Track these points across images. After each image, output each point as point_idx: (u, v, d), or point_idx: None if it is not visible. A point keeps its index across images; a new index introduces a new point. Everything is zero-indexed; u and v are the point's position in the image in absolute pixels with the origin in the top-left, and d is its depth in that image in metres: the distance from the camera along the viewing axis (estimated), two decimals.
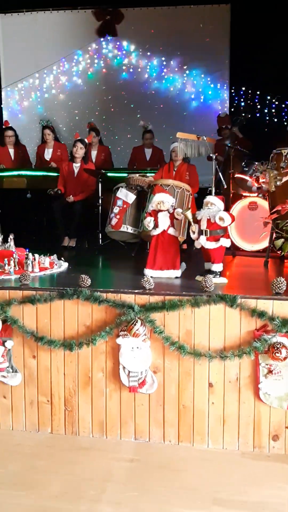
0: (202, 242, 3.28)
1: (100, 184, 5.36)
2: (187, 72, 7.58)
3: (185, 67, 7.58)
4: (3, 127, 6.76)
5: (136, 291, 2.95)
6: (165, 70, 7.62)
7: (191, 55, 7.51)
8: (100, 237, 5.34)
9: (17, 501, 2.39)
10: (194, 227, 3.32)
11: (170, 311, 2.85)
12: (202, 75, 7.54)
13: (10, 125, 6.73)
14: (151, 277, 3.14)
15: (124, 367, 2.88)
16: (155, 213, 3.49)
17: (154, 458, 2.81)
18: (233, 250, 4.71)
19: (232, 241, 4.34)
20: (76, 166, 5.58)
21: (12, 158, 6.57)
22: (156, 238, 3.46)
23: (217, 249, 3.29)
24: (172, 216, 3.47)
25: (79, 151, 5.53)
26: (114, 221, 4.92)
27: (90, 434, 3.01)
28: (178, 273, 3.43)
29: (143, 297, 2.92)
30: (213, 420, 2.88)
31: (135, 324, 2.82)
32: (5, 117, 7.94)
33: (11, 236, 3.86)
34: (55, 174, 5.89)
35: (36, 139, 7.65)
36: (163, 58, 7.60)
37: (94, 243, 5.41)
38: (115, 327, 2.89)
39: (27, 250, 3.91)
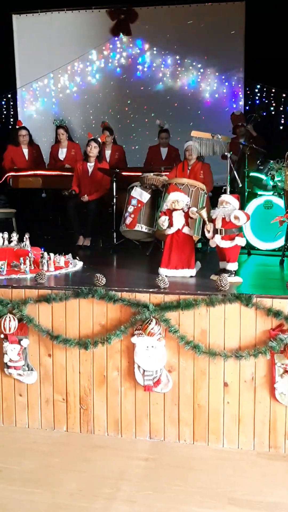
0: (217, 241, 3.27)
1: (114, 183, 5.37)
2: (202, 70, 7.53)
3: (199, 65, 7.53)
4: (17, 126, 6.81)
5: (151, 290, 2.95)
6: (179, 69, 7.59)
7: (205, 53, 7.47)
8: (115, 236, 5.36)
9: (32, 498, 2.40)
10: (209, 226, 3.31)
11: (185, 310, 2.84)
12: (217, 73, 7.49)
13: (23, 125, 6.77)
14: (166, 276, 3.14)
15: (139, 366, 2.88)
16: (169, 212, 3.48)
17: (169, 457, 2.81)
18: (248, 249, 4.68)
19: (247, 240, 4.31)
20: (90, 165, 5.60)
21: (26, 157, 6.61)
22: (171, 237, 3.45)
23: (232, 248, 3.27)
24: (186, 215, 3.46)
25: (93, 150, 5.55)
26: (128, 220, 4.93)
27: (105, 432, 3.02)
28: (193, 272, 3.42)
29: (158, 296, 2.92)
30: (228, 420, 2.86)
31: (150, 323, 2.82)
32: (20, 117, 7.99)
33: (27, 236, 3.89)
34: (70, 173, 5.92)
35: (50, 139, 7.69)
36: (178, 57, 7.57)
37: (109, 242, 5.43)
38: (130, 326, 2.89)
39: (42, 249, 3.93)
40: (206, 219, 3.33)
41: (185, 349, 2.83)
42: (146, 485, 2.51)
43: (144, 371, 2.87)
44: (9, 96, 7.84)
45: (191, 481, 2.55)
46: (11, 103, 7.91)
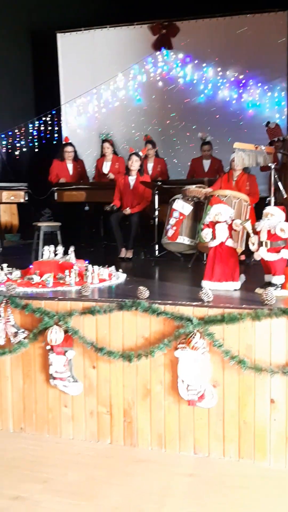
0: (262, 254, 3.21)
1: (156, 196, 5.40)
2: (244, 81, 7.50)
3: (241, 76, 7.50)
4: (63, 143, 7.00)
5: (194, 303, 2.93)
6: (221, 80, 7.59)
7: (247, 64, 7.44)
8: (157, 249, 5.38)
9: (76, 510, 2.42)
10: (254, 239, 3.26)
11: (230, 324, 2.80)
12: (259, 84, 7.43)
13: (70, 141, 6.96)
14: (210, 289, 3.11)
15: (183, 380, 2.86)
16: (213, 225, 3.46)
17: (214, 473, 2.76)
18: None
19: None
20: (132, 178, 5.66)
21: (71, 172, 6.78)
22: (214, 250, 3.43)
23: (278, 261, 3.21)
24: (230, 227, 3.43)
25: (134, 163, 5.61)
26: (170, 233, 4.93)
27: (149, 446, 3.00)
28: (237, 285, 3.38)
29: (202, 310, 2.90)
30: (275, 438, 2.79)
31: (194, 337, 2.80)
32: (64, 132, 8.20)
33: (72, 249, 3.96)
34: (113, 187, 6.01)
35: (93, 153, 7.85)
36: (219, 69, 7.57)
37: (151, 255, 5.45)
38: (174, 340, 2.88)
39: (86, 262, 3.99)
40: (250, 231, 3.29)
41: (230, 364, 2.79)
42: (191, 502, 2.48)
43: (188, 385, 2.85)
44: (54, 112, 8.06)
45: (236, 499, 2.49)
46: (56, 119, 8.13)
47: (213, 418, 2.88)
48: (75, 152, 6.84)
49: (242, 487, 2.61)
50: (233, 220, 3.44)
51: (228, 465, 2.84)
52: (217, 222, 3.43)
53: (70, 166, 6.80)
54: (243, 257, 4.68)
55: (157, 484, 2.64)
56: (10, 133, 7.83)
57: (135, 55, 7.79)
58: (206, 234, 3.44)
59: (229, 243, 3.41)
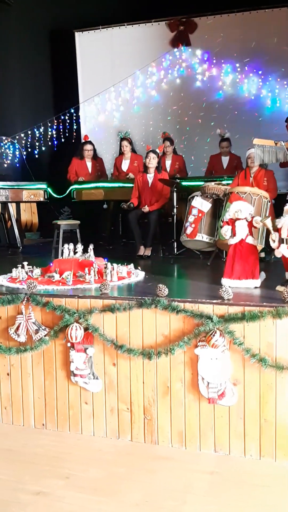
0: (283, 251, 3.18)
1: (174, 193, 5.39)
2: (263, 77, 7.42)
3: (260, 72, 7.43)
4: (83, 141, 7.04)
5: (214, 301, 2.92)
6: (239, 76, 7.52)
7: (266, 59, 7.36)
8: (175, 246, 5.37)
9: (98, 507, 2.44)
10: (274, 236, 3.23)
11: (250, 322, 2.78)
12: (278, 79, 7.35)
13: (89, 140, 6.99)
14: (229, 287, 3.10)
15: (203, 378, 2.86)
16: (232, 222, 3.44)
17: (235, 472, 2.75)
18: None
19: None
20: (150, 176, 5.66)
21: (90, 171, 6.82)
22: (234, 247, 3.41)
23: None
24: (250, 225, 3.41)
25: (152, 161, 5.61)
26: (189, 230, 4.92)
27: (169, 444, 3.01)
28: (257, 282, 3.35)
29: (222, 308, 2.88)
30: None
31: (214, 335, 2.79)
32: (83, 131, 8.25)
33: (91, 247, 3.98)
34: (131, 185, 6.02)
35: (112, 151, 7.87)
36: (237, 64, 7.51)
37: (169, 252, 5.45)
38: (194, 338, 2.88)
39: (106, 260, 4.01)
40: (271, 228, 3.26)
41: (251, 362, 2.77)
42: (212, 500, 2.48)
43: (208, 383, 2.84)
44: (72, 111, 8.10)
45: (256, 497, 2.48)
46: (74, 118, 8.18)
47: (233, 416, 2.87)
48: (94, 150, 6.88)
49: (263, 486, 2.60)
50: (253, 217, 3.42)
51: (249, 464, 2.82)
52: (237, 219, 3.41)
53: (89, 164, 6.84)
54: (262, 254, 4.65)
55: (178, 481, 2.64)
56: (29, 132, 7.91)
57: (153, 52, 7.78)
58: (225, 231, 3.43)
59: (249, 240, 3.39)
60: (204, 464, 2.82)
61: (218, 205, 4.89)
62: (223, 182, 5.11)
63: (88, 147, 6.80)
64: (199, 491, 2.55)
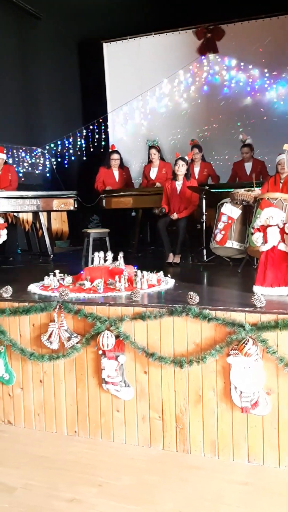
0: None
1: (204, 200, 5.38)
2: None
3: None
4: (110, 150, 7.12)
5: (246, 309, 2.89)
6: (267, 82, 7.48)
7: None
8: (205, 253, 5.35)
9: None
10: None
11: (284, 330, 2.74)
12: None
13: (116, 149, 7.08)
14: (262, 294, 3.06)
15: (235, 387, 2.83)
16: (264, 228, 3.41)
17: (269, 482, 2.70)
18: None
19: None
20: (179, 183, 5.66)
21: (117, 179, 6.89)
22: (266, 254, 3.37)
23: None
24: (282, 231, 3.36)
25: (181, 168, 5.61)
26: (219, 237, 4.90)
27: (201, 453, 2.98)
28: None
29: (254, 316, 2.85)
30: None
31: (246, 344, 2.76)
32: (111, 140, 8.34)
33: (121, 254, 4.01)
34: (159, 192, 6.04)
35: (140, 160, 7.92)
36: (266, 70, 7.47)
37: (199, 260, 5.43)
38: (226, 346, 2.85)
39: (135, 267, 4.03)
40: None
41: (285, 371, 2.73)
42: (245, 510, 2.44)
43: (241, 392, 2.81)
44: (101, 120, 8.21)
45: None
46: (103, 127, 8.28)
47: (267, 426, 2.83)
48: (121, 159, 6.95)
49: None
50: (285, 224, 3.38)
51: (283, 474, 2.77)
52: (268, 225, 3.38)
53: (116, 173, 6.91)
54: None
55: (211, 491, 2.61)
56: (59, 142, 8.05)
57: (181, 60, 7.82)
58: (257, 238, 3.40)
59: (281, 247, 3.35)
60: (237, 474, 2.78)
61: (248, 211, 4.85)
62: (253, 189, 5.07)
63: (115, 156, 6.88)
64: (232, 502, 2.52)
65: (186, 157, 5.76)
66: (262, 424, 2.83)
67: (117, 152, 6.96)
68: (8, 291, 3.52)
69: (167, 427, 3.05)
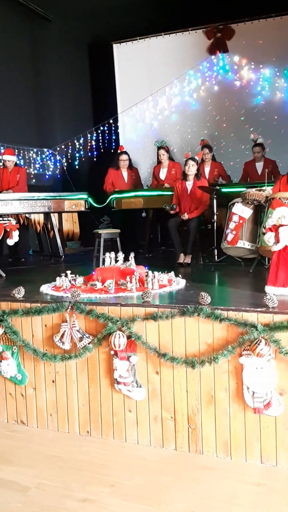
0: None
1: (214, 200, 5.37)
2: None
3: None
4: (118, 151, 7.14)
5: (258, 309, 2.88)
6: (278, 81, 7.44)
7: None
8: (216, 253, 5.33)
9: None
10: None
11: None
12: None
13: (124, 150, 7.09)
14: (274, 294, 3.05)
15: (248, 388, 2.82)
16: (275, 228, 3.39)
17: (282, 483, 2.69)
18: None
19: None
20: (189, 183, 5.66)
21: (126, 180, 6.90)
22: (278, 254, 3.35)
23: None
24: None
25: (191, 168, 5.61)
26: (230, 237, 4.88)
27: (214, 454, 2.98)
28: None
29: (267, 316, 2.84)
30: None
31: (259, 344, 2.75)
32: (121, 141, 8.35)
33: (132, 255, 4.01)
34: (169, 193, 6.04)
35: (150, 160, 7.93)
36: (276, 69, 7.43)
37: (210, 260, 5.42)
38: (238, 346, 2.84)
39: (146, 268, 4.03)
40: None
41: None
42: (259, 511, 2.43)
43: (253, 392, 2.80)
44: (111, 121, 8.23)
45: None
46: (113, 128, 8.30)
47: (280, 427, 2.81)
48: (129, 160, 6.95)
49: None
50: None
51: None
52: (280, 225, 3.36)
53: (125, 174, 6.92)
54: None
55: (223, 492, 2.61)
56: (69, 144, 8.09)
57: (191, 60, 7.82)
58: (269, 238, 3.38)
59: None
60: (250, 475, 2.77)
61: (259, 211, 4.83)
62: (263, 188, 5.04)
63: (124, 157, 6.89)
64: (245, 502, 2.51)
65: (196, 157, 5.75)
66: (275, 425, 2.82)
67: (125, 153, 6.97)
68: (20, 292, 3.54)
69: (179, 427, 3.05)
